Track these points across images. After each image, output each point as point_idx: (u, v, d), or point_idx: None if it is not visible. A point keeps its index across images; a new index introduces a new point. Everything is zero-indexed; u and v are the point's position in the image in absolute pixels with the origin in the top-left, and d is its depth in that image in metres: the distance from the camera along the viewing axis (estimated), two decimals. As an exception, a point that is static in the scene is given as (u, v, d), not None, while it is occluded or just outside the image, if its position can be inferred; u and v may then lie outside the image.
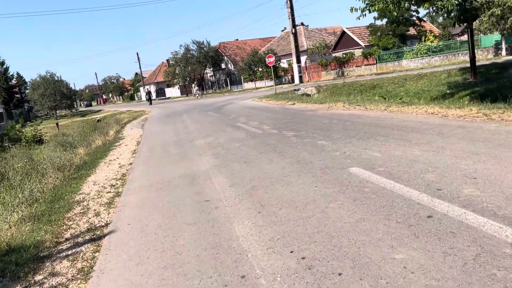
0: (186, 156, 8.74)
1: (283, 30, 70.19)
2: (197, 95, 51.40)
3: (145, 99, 75.10)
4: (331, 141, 7.23)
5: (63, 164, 10.12)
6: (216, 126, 13.39)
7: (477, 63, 25.98)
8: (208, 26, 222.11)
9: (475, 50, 34.15)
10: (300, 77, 36.12)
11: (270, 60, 25.42)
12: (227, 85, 58.48)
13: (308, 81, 41.91)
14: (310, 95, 25.57)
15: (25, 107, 72.17)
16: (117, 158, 10.81)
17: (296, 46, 35.18)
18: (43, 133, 22.04)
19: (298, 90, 26.63)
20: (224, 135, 10.69)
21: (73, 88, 69.95)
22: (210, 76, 63.20)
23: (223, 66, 58.92)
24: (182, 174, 6.98)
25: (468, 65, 22.85)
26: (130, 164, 9.40)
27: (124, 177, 8.00)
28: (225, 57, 58.07)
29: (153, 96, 75.85)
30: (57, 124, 27.38)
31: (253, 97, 27.82)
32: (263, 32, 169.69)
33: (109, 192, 7.01)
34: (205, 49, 56.44)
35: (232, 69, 57.27)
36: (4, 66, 61.02)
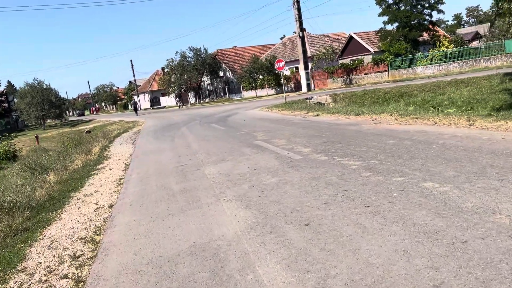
0: (195, 197, 5.70)
1: (282, 38, 67.76)
2: (179, 105, 52.82)
3: (139, 108, 72.05)
4: (452, 185, 4.22)
5: (15, 204, 7.04)
6: (227, 144, 10.36)
7: (505, 70, 23.29)
8: (204, 31, 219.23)
9: (498, 56, 31.62)
10: (308, 85, 33.31)
11: (280, 65, 22.51)
12: (225, 93, 55.61)
13: (314, 89, 39.09)
14: (324, 104, 22.70)
15: (13, 116, 68.73)
16: (95, 192, 7.76)
17: (304, 51, 32.38)
18: (17, 149, 18.88)
19: (311, 98, 23.74)
20: (244, 160, 7.66)
21: (63, 96, 66.87)
22: (207, 84, 60.30)
23: (221, 74, 56.08)
24: (195, 244, 3.94)
25: (506, 70, 20.13)
26: (111, 206, 6.34)
27: (98, 237, 4.95)
28: (223, 65, 55.28)
29: (145, 105, 72.78)
30: (36, 137, 24.18)
31: (259, 106, 24.90)
32: (261, 40, 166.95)
33: (67, 275, 3.96)
34: (202, 56, 53.64)
35: (231, 77, 54.45)
36: (-10, 74, 57.68)
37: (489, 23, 71.45)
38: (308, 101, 23.26)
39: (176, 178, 7.32)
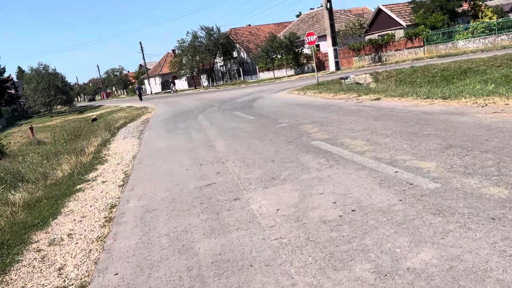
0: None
1: (298, 15, 63.64)
2: (173, 91, 52.95)
3: (150, 93, 69.15)
4: None
5: None
6: (269, 145, 7.17)
7: None
8: (216, 9, 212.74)
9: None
10: (337, 63, 29.71)
11: (311, 38, 19.01)
12: (239, 75, 52.18)
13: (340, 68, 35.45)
14: (363, 84, 19.31)
15: (22, 103, 66.22)
16: (69, 235, 4.73)
17: (332, 25, 28.60)
18: (5, 144, 15.96)
19: (346, 78, 20.32)
20: (316, 182, 4.48)
21: (74, 81, 64.19)
22: (220, 66, 56.82)
23: (234, 54, 52.48)
24: None
25: None
26: (81, 291, 3.25)
27: None
28: (237, 45, 51.64)
29: (156, 89, 69.73)
30: (31, 128, 21.26)
31: (284, 88, 21.58)
32: (273, 18, 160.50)
33: None
34: (214, 35, 49.94)
35: (245, 57, 50.89)
36: (-6, 59, 54.93)
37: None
38: (343, 81, 19.87)
39: (202, 218, 4.17)
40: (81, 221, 5.24)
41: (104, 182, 7.22)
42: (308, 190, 4.28)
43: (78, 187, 7.27)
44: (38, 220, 5.73)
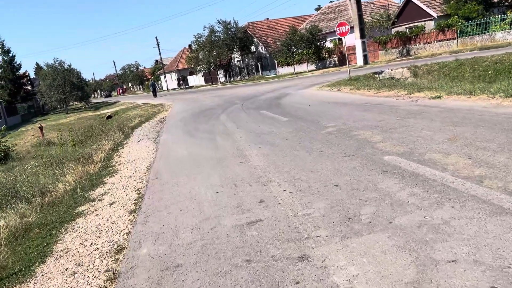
0: None
1: (318, 9, 61.52)
2: (183, 87, 56.02)
3: (166, 89, 68.07)
4: None
5: None
6: (322, 160, 5.55)
7: None
8: (231, 1, 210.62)
9: None
10: (365, 57, 27.82)
11: (343, 29, 17.14)
12: (257, 71, 50.47)
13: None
14: (400, 79, 17.50)
15: (38, 99, 65.72)
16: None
17: (360, 15, 26.67)
18: (9, 146, 14.65)
19: (381, 73, 18.51)
20: (428, 235, 2.85)
21: (90, 78, 63.50)
22: (237, 61, 55.18)
23: (252, 49, 50.75)
24: None
25: None
26: None
27: None
28: (255, 39, 49.91)
29: (172, 85, 68.57)
30: (40, 128, 20.00)
31: (311, 84, 19.91)
32: (291, 12, 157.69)
33: None
34: (232, 30, 48.30)
35: (263, 52, 49.17)
36: (10, 55, 54.38)
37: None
38: (377, 76, 18.08)
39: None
40: (74, 273, 3.73)
41: (111, 204, 5.73)
42: (425, 251, 2.66)
43: (80, 209, 5.80)
44: (21, 264, 4.27)
